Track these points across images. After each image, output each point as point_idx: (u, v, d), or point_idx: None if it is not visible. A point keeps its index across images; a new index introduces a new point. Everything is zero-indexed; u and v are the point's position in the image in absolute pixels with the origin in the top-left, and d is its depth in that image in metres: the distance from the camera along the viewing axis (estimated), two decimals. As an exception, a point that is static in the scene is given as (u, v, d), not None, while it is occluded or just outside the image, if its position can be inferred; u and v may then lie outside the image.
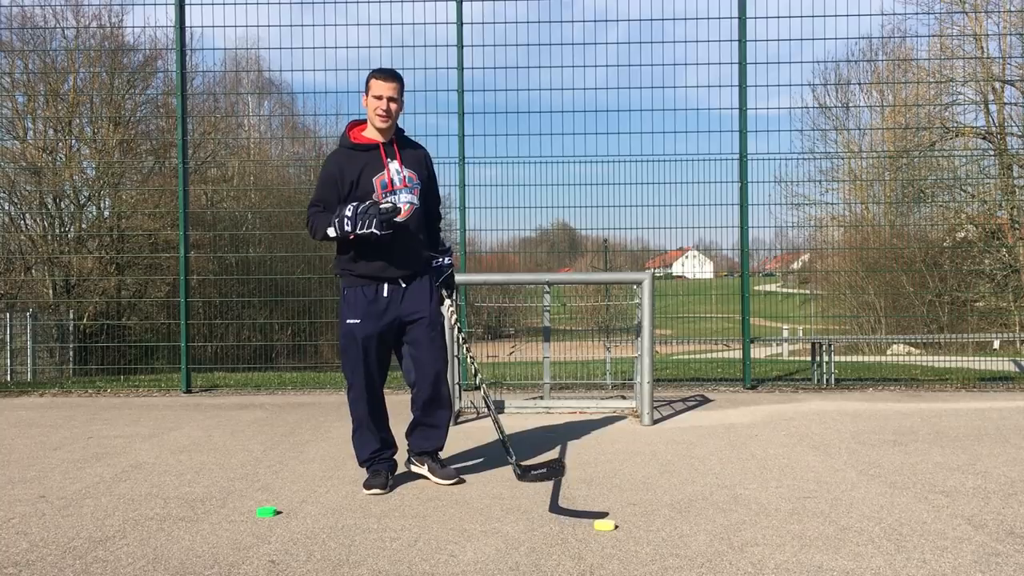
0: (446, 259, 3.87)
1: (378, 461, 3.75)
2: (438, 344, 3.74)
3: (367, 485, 3.67)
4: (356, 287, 3.67)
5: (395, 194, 3.63)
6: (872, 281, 11.20)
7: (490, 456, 4.49)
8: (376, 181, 3.62)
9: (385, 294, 3.65)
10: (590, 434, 5.17)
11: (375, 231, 3.45)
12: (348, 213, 3.47)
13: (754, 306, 8.05)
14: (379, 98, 3.62)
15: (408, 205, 3.66)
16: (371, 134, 3.71)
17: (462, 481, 3.72)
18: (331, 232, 3.53)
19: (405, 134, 3.84)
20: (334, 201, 3.64)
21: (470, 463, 4.30)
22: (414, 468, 3.87)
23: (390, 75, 3.66)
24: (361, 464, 3.78)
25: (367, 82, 3.67)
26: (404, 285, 3.69)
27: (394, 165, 3.66)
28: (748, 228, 7.65)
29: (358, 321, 3.63)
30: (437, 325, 3.73)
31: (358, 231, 3.46)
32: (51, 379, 10.11)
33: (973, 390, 7.44)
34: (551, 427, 5.46)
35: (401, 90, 3.68)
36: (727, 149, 7.67)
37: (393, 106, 3.64)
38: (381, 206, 3.47)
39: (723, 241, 8.16)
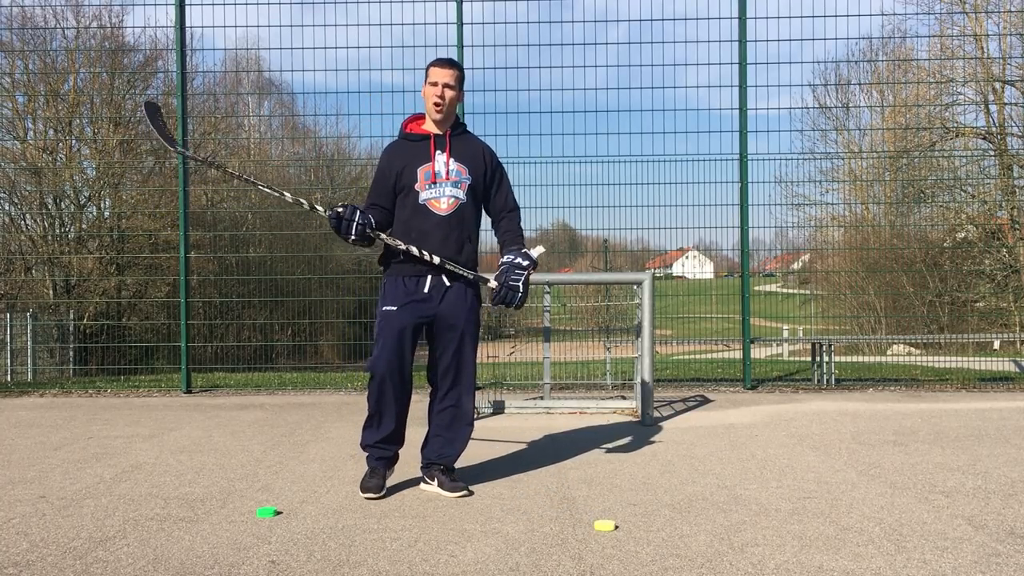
0: (517, 258, 3.53)
1: (378, 458, 3.64)
2: (469, 358, 3.62)
3: (363, 488, 3.56)
4: (397, 277, 3.58)
5: (439, 186, 3.54)
6: (872, 281, 11.21)
7: (491, 456, 4.49)
8: (420, 172, 3.55)
9: (426, 289, 3.54)
10: (590, 434, 5.18)
11: (345, 233, 3.47)
12: (341, 214, 3.47)
13: (754, 306, 8.06)
14: (435, 84, 3.55)
15: (452, 199, 3.55)
16: (427, 126, 3.64)
17: (470, 493, 3.62)
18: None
19: (466, 129, 3.74)
20: (383, 197, 3.60)
21: (470, 462, 4.30)
22: (425, 486, 3.71)
23: (447, 63, 3.60)
24: (362, 447, 3.66)
25: (426, 71, 3.61)
26: (447, 283, 3.56)
27: (442, 157, 3.57)
28: (748, 228, 7.65)
29: (394, 308, 3.51)
30: (471, 336, 3.62)
31: (342, 233, 3.49)
32: (51, 379, 10.11)
33: (973, 390, 7.44)
34: (551, 427, 5.46)
35: (459, 79, 3.60)
36: (727, 149, 7.69)
37: (449, 93, 3.55)
38: (353, 226, 3.45)
39: (723, 241, 8.18)
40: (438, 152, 3.59)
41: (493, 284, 3.56)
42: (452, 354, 3.59)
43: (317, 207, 3.62)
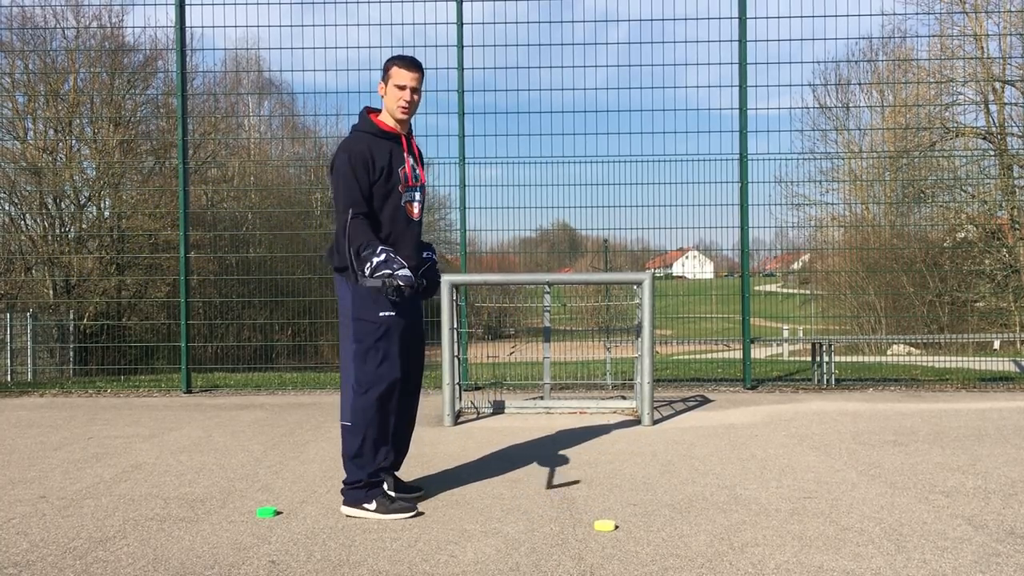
0: (431, 254, 3.57)
1: (380, 484, 3.35)
2: (423, 354, 3.62)
3: (390, 511, 3.24)
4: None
5: (412, 190, 3.45)
6: (872, 281, 11.21)
7: (490, 456, 4.49)
8: (401, 173, 3.42)
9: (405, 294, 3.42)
10: (590, 434, 5.17)
11: (392, 285, 3.14)
12: (381, 258, 3.14)
13: (754, 306, 8.05)
14: (402, 88, 3.36)
15: (419, 205, 3.49)
16: (389, 123, 3.46)
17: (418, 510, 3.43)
18: (363, 265, 3.19)
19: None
20: (366, 194, 3.31)
21: (471, 463, 4.30)
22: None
23: (413, 64, 3.40)
24: (361, 479, 3.30)
25: (388, 69, 3.40)
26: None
27: (410, 159, 3.49)
28: (748, 228, 7.65)
29: (393, 314, 3.31)
30: (425, 335, 3.64)
31: (376, 274, 3.17)
32: (51, 379, 10.11)
33: (973, 390, 7.43)
34: (551, 427, 5.46)
35: (422, 80, 3.44)
36: (727, 149, 7.69)
37: (416, 98, 3.41)
38: (411, 284, 3.17)
39: (723, 241, 8.17)
40: (407, 155, 3.49)
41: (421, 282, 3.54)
42: (415, 353, 3.54)
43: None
